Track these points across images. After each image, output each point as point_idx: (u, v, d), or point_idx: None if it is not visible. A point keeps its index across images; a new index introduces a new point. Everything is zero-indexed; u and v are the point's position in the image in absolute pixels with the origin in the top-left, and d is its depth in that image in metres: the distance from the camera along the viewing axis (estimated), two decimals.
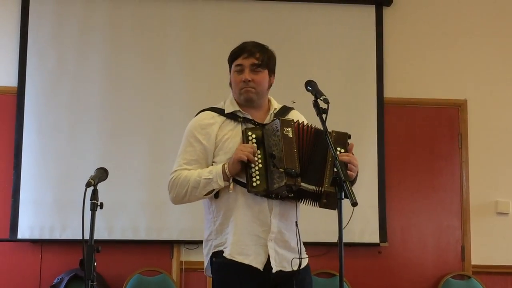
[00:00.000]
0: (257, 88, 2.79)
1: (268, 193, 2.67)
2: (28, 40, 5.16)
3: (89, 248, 2.54)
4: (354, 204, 2.40)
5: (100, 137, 5.12)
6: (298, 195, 2.72)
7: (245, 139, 2.71)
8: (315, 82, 2.76)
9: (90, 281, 2.51)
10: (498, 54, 5.58)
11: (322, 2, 5.41)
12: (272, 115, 2.85)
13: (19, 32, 5.18)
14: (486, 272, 5.30)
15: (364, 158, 4.93)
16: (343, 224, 2.48)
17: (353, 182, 2.66)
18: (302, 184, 2.63)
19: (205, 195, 2.74)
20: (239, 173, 2.69)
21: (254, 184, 2.65)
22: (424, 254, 5.32)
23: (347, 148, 2.72)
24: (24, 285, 5.01)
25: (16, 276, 5.01)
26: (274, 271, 2.70)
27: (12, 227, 4.96)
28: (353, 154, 2.73)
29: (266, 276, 2.70)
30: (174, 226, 5.05)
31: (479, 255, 5.33)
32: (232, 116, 2.82)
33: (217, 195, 2.76)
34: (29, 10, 5.18)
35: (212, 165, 2.77)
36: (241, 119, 2.81)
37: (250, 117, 2.82)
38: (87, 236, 2.56)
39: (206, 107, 2.91)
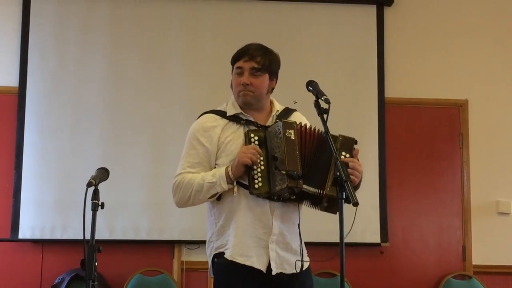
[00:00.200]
0: (255, 92, 2.79)
1: (270, 195, 2.66)
2: (29, 40, 5.16)
3: (90, 248, 2.54)
4: (355, 204, 2.40)
5: (101, 137, 5.12)
6: (300, 198, 2.71)
7: (248, 141, 2.71)
8: (316, 82, 2.76)
9: (91, 281, 2.50)
10: (499, 54, 5.58)
11: (323, 2, 5.41)
12: (274, 117, 2.84)
13: (20, 32, 5.18)
14: (487, 272, 5.30)
15: (365, 158, 4.87)
16: (348, 227, 2.48)
17: (356, 187, 2.66)
18: (304, 186, 2.63)
19: (209, 198, 2.74)
20: (242, 176, 2.69)
21: (256, 186, 2.65)
22: (425, 254, 5.32)
23: (352, 153, 2.72)
24: (25, 285, 5.01)
25: (17, 276, 5.01)
26: (274, 273, 2.69)
27: (13, 227, 4.96)
28: (358, 159, 2.72)
29: (267, 278, 2.70)
30: (175, 226, 5.05)
31: (480, 255, 5.33)
32: (234, 119, 2.82)
33: (219, 197, 2.75)
34: (30, 9, 5.18)
35: (215, 167, 2.77)
36: (244, 121, 2.80)
37: (253, 119, 2.81)
38: (88, 236, 2.56)
39: (208, 110, 2.90)
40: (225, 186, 2.68)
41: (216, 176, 2.69)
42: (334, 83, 5.18)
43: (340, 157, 2.61)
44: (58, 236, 4.98)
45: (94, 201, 2.60)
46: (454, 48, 5.55)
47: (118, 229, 5.01)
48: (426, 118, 5.46)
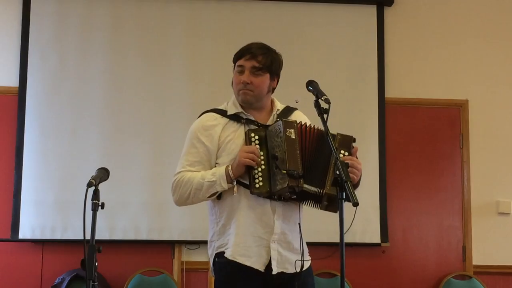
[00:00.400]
0: (255, 91, 2.78)
1: (271, 195, 2.66)
2: (30, 40, 5.16)
3: (90, 248, 2.54)
4: (355, 204, 2.40)
5: (102, 137, 5.12)
6: (301, 197, 2.71)
7: (248, 140, 2.70)
8: (317, 82, 2.76)
9: (91, 281, 2.51)
10: (500, 54, 5.58)
11: (323, 2, 5.41)
12: (275, 116, 2.84)
13: (20, 32, 5.18)
14: (487, 272, 5.30)
15: (365, 158, 4.89)
16: (346, 226, 2.48)
17: (356, 185, 2.66)
18: (305, 185, 2.63)
19: (209, 197, 2.74)
20: (243, 175, 2.69)
21: (257, 185, 2.64)
22: (425, 254, 5.33)
23: (351, 151, 2.72)
24: (25, 285, 5.01)
25: (18, 276, 5.01)
26: (274, 272, 2.69)
27: (14, 227, 4.96)
28: (357, 157, 2.72)
29: (267, 278, 2.70)
30: (175, 226, 5.04)
31: (480, 255, 5.33)
32: (235, 118, 2.81)
33: (220, 196, 2.75)
34: (31, 10, 5.18)
35: (215, 166, 2.77)
36: (244, 121, 2.80)
37: (253, 119, 2.81)
38: (88, 236, 2.56)
39: (209, 109, 2.90)
40: (225, 185, 2.68)
41: (216, 175, 2.69)
42: (334, 83, 5.18)
43: (339, 156, 2.61)
44: (58, 236, 4.98)
45: (94, 201, 2.60)
46: (454, 48, 5.55)
47: (118, 229, 5.02)
48: (426, 118, 5.46)
